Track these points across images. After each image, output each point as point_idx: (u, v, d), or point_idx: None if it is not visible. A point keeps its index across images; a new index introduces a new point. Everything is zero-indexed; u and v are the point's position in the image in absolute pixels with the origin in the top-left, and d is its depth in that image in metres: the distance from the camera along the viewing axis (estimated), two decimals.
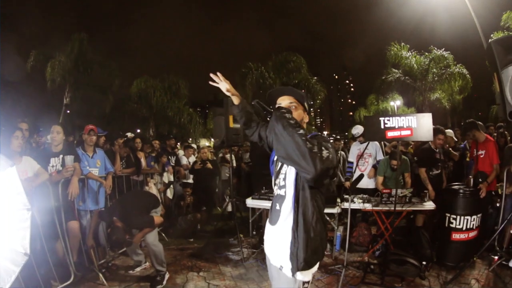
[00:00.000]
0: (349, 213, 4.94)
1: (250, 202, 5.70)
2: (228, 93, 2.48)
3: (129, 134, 7.76)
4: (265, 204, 5.51)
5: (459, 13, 18.58)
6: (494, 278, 4.40)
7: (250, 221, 6.09)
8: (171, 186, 7.64)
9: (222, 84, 2.46)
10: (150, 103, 23.25)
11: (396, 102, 29.54)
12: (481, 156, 5.52)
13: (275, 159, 2.23)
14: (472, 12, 17.32)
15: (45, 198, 4.24)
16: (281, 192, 2.06)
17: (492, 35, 17.27)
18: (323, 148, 1.58)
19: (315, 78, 23.25)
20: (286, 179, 2.03)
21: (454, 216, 4.80)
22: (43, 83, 20.78)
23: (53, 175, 4.55)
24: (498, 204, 5.27)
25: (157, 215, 4.55)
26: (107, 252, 5.45)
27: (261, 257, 5.32)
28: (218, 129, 5.60)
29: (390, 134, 4.47)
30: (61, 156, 4.79)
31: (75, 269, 4.51)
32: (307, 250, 1.88)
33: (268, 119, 2.14)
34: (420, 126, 4.35)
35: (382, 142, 6.88)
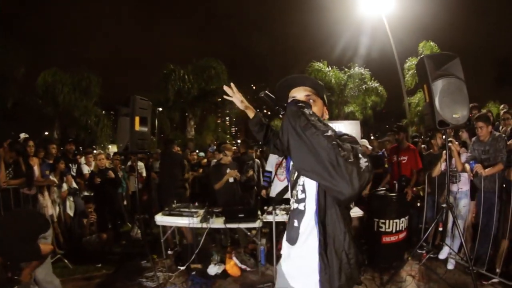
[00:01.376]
0: (273, 226, 4.72)
1: (160, 219, 5.04)
2: (242, 106, 2.34)
3: (22, 135, 6.53)
4: (177, 221, 4.93)
5: (381, 38, 21.28)
6: (427, 271, 4.77)
7: (161, 240, 5.33)
8: (71, 201, 6.56)
9: (236, 97, 2.32)
10: (56, 100, 19.61)
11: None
12: (403, 162, 5.84)
13: (291, 165, 1.88)
14: (391, 38, 19.43)
15: None
16: (300, 206, 1.73)
17: (407, 60, 20.02)
18: (359, 155, 1.18)
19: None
20: (306, 191, 1.70)
21: (383, 221, 4.93)
22: None
23: None
24: (418, 204, 5.80)
25: (46, 242, 3.56)
26: None
27: (180, 281, 4.81)
28: (122, 132, 4.73)
29: None
30: None
31: None
32: (341, 277, 1.55)
33: (281, 116, 1.67)
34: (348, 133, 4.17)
35: None
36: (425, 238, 4.78)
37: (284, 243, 1.88)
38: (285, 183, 5.95)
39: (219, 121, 34.48)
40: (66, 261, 5.53)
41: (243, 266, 5.04)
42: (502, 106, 8.22)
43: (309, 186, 1.66)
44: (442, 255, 5.03)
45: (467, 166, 4.72)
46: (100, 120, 20.76)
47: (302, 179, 1.71)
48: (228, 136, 31.51)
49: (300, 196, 1.72)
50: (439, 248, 5.13)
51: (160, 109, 24.98)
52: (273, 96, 1.84)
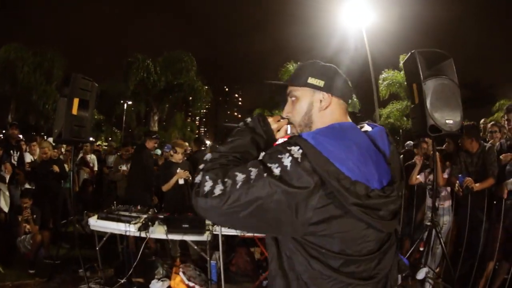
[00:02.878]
0: (219, 239, 4.27)
1: (93, 223, 4.37)
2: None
3: None
4: (112, 226, 4.27)
5: (361, 50, 20.70)
6: None
7: (97, 248, 4.57)
8: (6, 194, 5.81)
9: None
10: (15, 79, 18.52)
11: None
12: None
13: None
14: (368, 47, 19.53)
15: None
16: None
17: (383, 71, 20.59)
18: (226, 179, 1.02)
19: (201, 82, 22.39)
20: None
21: None
22: None
23: None
24: None
25: None
26: None
27: None
28: (59, 117, 4.05)
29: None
30: None
31: None
32: None
33: None
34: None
35: None
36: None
37: None
38: None
39: (188, 120, 33.64)
40: None
41: (191, 284, 4.35)
42: (489, 119, 8.04)
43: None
44: (420, 276, 4.50)
45: (454, 180, 4.36)
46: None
47: None
48: (196, 135, 30.88)
49: None
50: (416, 267, 4.61)
51: (130, 102, 24.25)
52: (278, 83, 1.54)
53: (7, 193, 5.79)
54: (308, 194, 0.97)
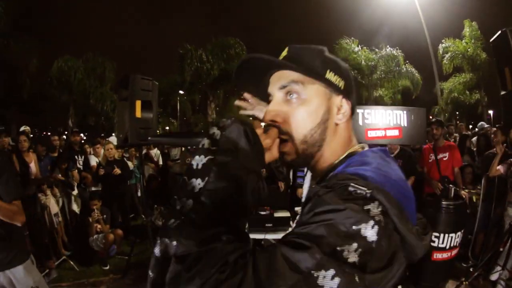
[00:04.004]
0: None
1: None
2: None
3: (23, 128, 6.01)
4: None
5: (414, 18, 19.49)
6: None
7: None
8: (75, 196, 6.07)
9: (257, 109, 1.30)
10: (70, 87, 19.93)
11: None
12: (445, 159, 5.06)
13: None
14: (422, 18, 18.09)
15: None
16: None
17: (443, 41, 19.03)
18: None
19: None
20: None
21: (437, 234, 4.00)
22: None
23: None
24: (468, 211, 4.86)
25: None
26: None
27: None
28: (121, 122, 3.95)
29: (371, 134, 3.37)
30: None
31: None
32: None
33: None
34: (411, 124, 3.34)
35: None
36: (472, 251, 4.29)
37: None
38: None
39: None
40: (72, 263, 5.23)
41: None
42: None
43: None
44: (494, 277, 4.19)
45: None
46: (116, 106, 20.30)
47: None
48: (251, 118, 31.01)
49: None
50: (491, 266, 4.30)
51: (181, 92, 24.63)
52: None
53: (77, 195, 6.09)
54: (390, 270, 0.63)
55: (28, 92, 19.40)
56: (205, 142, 0.67)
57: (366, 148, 0.89)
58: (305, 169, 4.19)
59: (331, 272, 0.54)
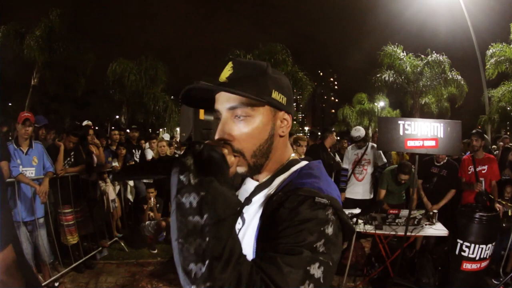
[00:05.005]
0: (353, 236, 4.17)
1: None
2: None
3: (85, 122, 6.55)
4: None
5: (459, 22, 18.76)
6: None
7: None
8: (132, 185, 6.57)
9: None
10: (123, 86, 21.63)
11: (380, 103, 29.52)
12: (483, 172, 5.03)
13: None
14: (469, 22, 17.24)
15: None
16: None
17: (490, 46, 17.45)
18: None
19: (303, 72, 22.35)
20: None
21: (468, 244, 4.06)
22: (10, 61, 19.18)
23: None
24: (504, 225, 4.74)
25: None
26: (54, 268, 4.63)
27: None
28: (185, 121, 4.45)
29: (410, 143, 3.62)
30: None
31: None
32: None
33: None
34: (447, 136, 3.53)
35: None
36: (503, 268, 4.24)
37: None
38: (364, 183, 5.70)
39: None
40: (122, 243, 5.74)
41: None
42: None
43: (245, 240, 1.02)
44: None
45: None
46: (168, 106, 22.13)
47: None
48: (295, 122, 31.00)
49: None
50: None
51: None
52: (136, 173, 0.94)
53: (133, 185, 6.60)
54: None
55: (82, 90, 21.35)
56: (190, 176, 0.68)
57: (295, 156, 1.07)
58: (348, 173, 4.48)
59: (317, 264, 0.73)
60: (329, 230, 0.79)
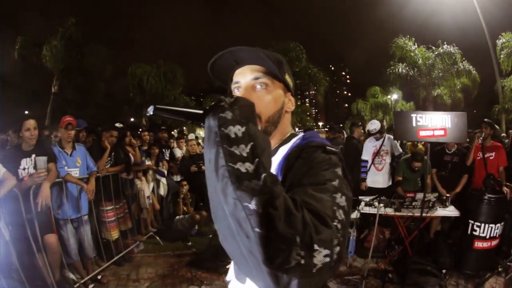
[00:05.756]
0: (376, 218, 4.77)
1: None
2: None
3: (117, 125, 6.97)
4: None
5: (469, 12, 18.60)
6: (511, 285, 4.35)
7: None
8: (164, 183, 6.94)
9: None
10: (143, 90, 22.58)
11: (393, 96, 29.42)
12: (491, 158, 5.47)
13: None
14: (479, 12, 17.15)
15: (15, 208, 3.66)
16: None
17: (500, 36, 17.45)
18: (316, 243, 0.66)
19: (317, 67, 22.52)
20: None
21: (478, 224, 4.48)
22: (30, 71, 20.35)
23: (24, 180, 3.86)
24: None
25: None
26: (95, 263, 4.89)
27: None
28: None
29: (422, 133, 4.03)
30: (33, 156, 4.03)
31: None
32: None
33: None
34: (454, 126, 3.94)
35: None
36: None
37: (232, 281, 1.29)
38: (383, 172, 6.05)
39: (299, 103, 34.01)
40: (157, 237, 6.03)
41: None
42: None
43: None
44: None
45: None
46: None
47: None
48: (309, 118, 30.97)
49: None
50: None
51: None
52: (172, 108, 0.89)
53: (165, 182, 6.95)
54: None
55: (103, 94, 22.38)
56: (231, 113, 0.75)
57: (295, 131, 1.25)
58: (368, 164, 4.90)
59: (339, 193, 0.81)
60: (340, 172, 0.91)
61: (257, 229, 0.63)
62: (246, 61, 1.13)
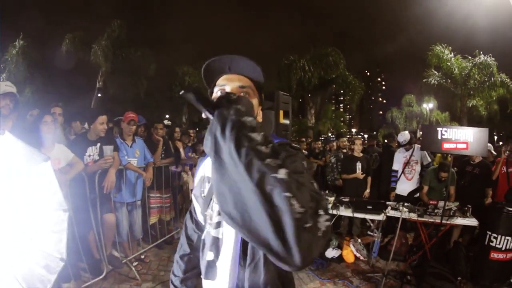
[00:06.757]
0: (399, 223, 5.07)
1: None
2: None
3: (166, 122, 7.50)
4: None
5: (506, 20, 18.04)
6: None
7: None
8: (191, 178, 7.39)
9: None
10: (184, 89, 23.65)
11: (429, 105, 29.07)
12: None
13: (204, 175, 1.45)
14: None
15: (80, 189, 4.03)
16: (216, 232, 1.32)
17: None
18: (321, 209, 0.79)
19: (353, 75, 22.67)
20: None
21: (495, 235, 4.71)
22: (76, 67, 21.71)
23: (90, 165, 4.26)
24: None
25: None
26: (140, 244, 5.27)
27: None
28: (267, 124, 5.33)
29: (446, 146, 4.51)
30: (98, 145, 4.45)
31: (107, 262, 4.40)
32: None
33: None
34: (475, 140, 4.37)
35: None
36: None
37: (203, 280, 1.41)
38: (413, 181, 6.35)
39: (333, 108, 34.03)
40: None
41: (358, 255, 5.44)
42: None
43: None
44: None
45: None
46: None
47: None
48: (342, 123, 31.02)
49: (216, 219, 1.32)
50: None
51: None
52: (195, 95, 0.97)
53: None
54: None
55: (146, 92, 23.67)
56: (241, 107, 0.89)
57: None
58: (398, 174, 5.33)
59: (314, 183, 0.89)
60: (305, 165, 1.03)
61: (287, 193, 0.72)
62: (241, 69, 1.28)
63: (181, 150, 6.40)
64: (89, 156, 4.38)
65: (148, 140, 5.65)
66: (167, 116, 27.33)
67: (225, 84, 1.26)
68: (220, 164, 0.81)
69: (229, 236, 1.26)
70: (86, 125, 6.07)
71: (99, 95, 21.75)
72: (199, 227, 1.58)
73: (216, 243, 1.31)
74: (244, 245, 1.21)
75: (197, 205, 1.50)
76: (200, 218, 1.52)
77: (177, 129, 6.68)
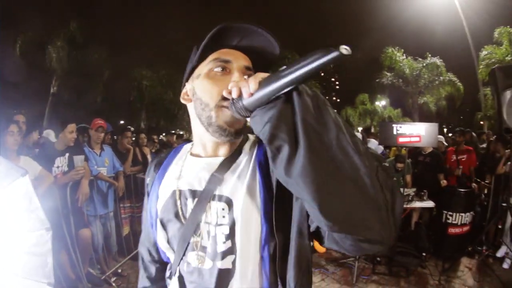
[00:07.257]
0: None
1: None
2: None
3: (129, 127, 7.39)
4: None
5: (454, 24, 19.51)
6: (483, 267, 4.99)
7: None
8: None
9: None
10: (142, 93, 23.21)
11: (381, 102, 30.27)
12: (463, 160, 6.45)
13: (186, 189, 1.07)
14: (465, 24, 18.01)
15: (51, 203, 3.62)
16: (221, 263, 0.99)
17: (483, 48, 18.36)
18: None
19: None
20: (239, 233, 0.97)
21: (451, 213, 5.27)
22: (29, 70, 19.93)
23: (59, 177, 3.98)
24: (486, 203, 6.01)
25: None
26: (116, 258, 5.10)
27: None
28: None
29: (401, 139, 5.00)
30: (67, 155, 4.17)
31: (86, 281, 4.10)
32: None
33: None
34: (427, 134, 4.92)
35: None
36: (486, 236, 5.24)
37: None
38: None
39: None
40: None
41: None
42: None
43: (245, 224, 0.97)
44: (499, 253, 5.14)
45: None
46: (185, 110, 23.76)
47: (222, 205, 1.00)
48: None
49: (222, 240, 1.00)
50: (498, 246, 5.29)
51: None
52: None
53: None
54: None
55: (101, 96, 22.49)
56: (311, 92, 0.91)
57: None
58: None
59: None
60: None
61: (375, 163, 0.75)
62: (262, 48, 1.05)
63: (149, 156, 6.18)
64: (58, 167, 4.12)
65: (114, 148, 5.45)
66: (121, 122, 26.14)
67: (230, 60, 1.01)
68: (317, 156, 0.72)
69: (248, 263, 0.97)
70: (43, 134, 5.76)
71: (51, 100, 20.59)
72: (160, 258, 1.25)
73: (226, 277, 0.98)
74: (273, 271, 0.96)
75: (161, 232, 1.10)
76: (164, 246, 1.12)
77: (142, 136, 6.55)
